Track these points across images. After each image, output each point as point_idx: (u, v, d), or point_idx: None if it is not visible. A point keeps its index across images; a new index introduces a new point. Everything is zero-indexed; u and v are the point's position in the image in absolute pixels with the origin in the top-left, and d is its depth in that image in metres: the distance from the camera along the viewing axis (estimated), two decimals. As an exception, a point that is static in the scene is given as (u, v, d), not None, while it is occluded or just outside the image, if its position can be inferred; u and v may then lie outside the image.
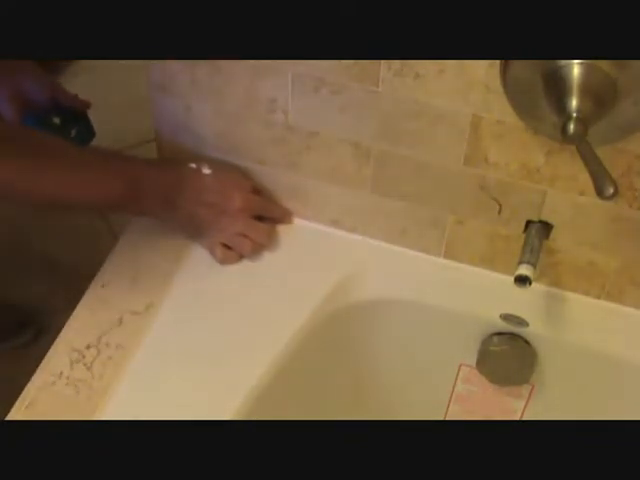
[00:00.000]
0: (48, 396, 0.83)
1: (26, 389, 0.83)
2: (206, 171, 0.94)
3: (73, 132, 0.91)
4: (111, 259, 0.95)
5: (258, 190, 0.97)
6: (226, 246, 0.94)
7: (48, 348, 0.87)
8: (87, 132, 0.93)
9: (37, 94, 0.89)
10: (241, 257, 0.95)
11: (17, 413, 0.81)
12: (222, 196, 0.93)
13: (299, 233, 0.99)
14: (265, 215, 0.97)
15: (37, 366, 0.85)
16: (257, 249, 0.96)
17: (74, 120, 0.91)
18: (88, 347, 0.87)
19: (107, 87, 1.53)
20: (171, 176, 0.91)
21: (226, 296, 0.93)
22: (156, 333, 0.88)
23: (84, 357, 0.86)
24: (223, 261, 0.94)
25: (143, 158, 0.91)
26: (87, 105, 0.93)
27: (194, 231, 0.94)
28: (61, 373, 0.85)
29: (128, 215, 0.95)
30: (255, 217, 0.95)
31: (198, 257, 0.96)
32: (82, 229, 1.67)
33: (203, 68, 0.88)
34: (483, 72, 0.76)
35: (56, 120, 0.89)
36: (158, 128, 0.98)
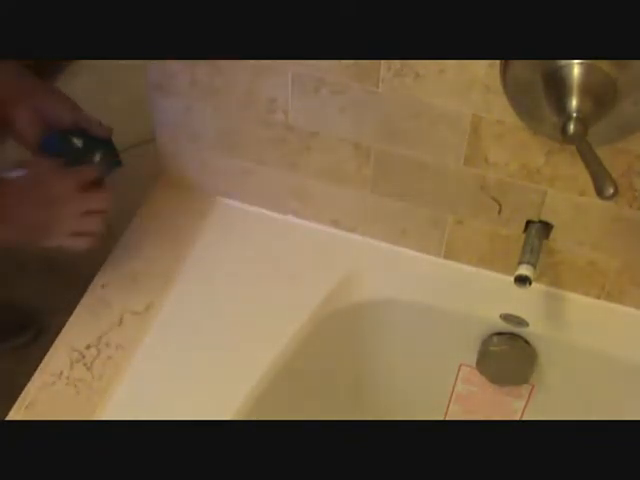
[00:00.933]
0: (48, 396, 0.83)
1: (26, 389, 0.83)
2: (13, 172, 0.85)
3: (97, 157, 0.88)
4: (111, 259, 0.95)
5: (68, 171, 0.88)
6: (77, 233, 0.87)
7: (48, 348, 0.87)
8: (112, 158, 0.90)
9: (59, 116, 0.87)
10: (95, 235, 0.89)
11: (17, 413, 0.81)
12: (45, 187, 0.85)
13: (299, 233, 0.99)
14: (89, 185, 0.88)
15: (37, 366, 0.85)
16: (104, 218, 0.88)
17: (97, 144, 0.88)
18: (88, 347, 0.87)
19: (107, 87, 1.53)
20: None
21: (226, 296, 0.93)
22: (156, 333, 0.88)
23: (84, 357, 0.86)
24: (86, 246, 0.87)
25: None
26: (110, 131, 0.90)
27: (36, 236, 0.86)
28: (61, 373, 0.85)
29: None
30: (81, 189, 0.87)
31: (198, 257, 0.96)
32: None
33: (203, 68, 0.88)
34: (483, 72, 0.76)
35: (77, 142, 0.87)
36: (158, 128, 0.98)
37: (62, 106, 0.88)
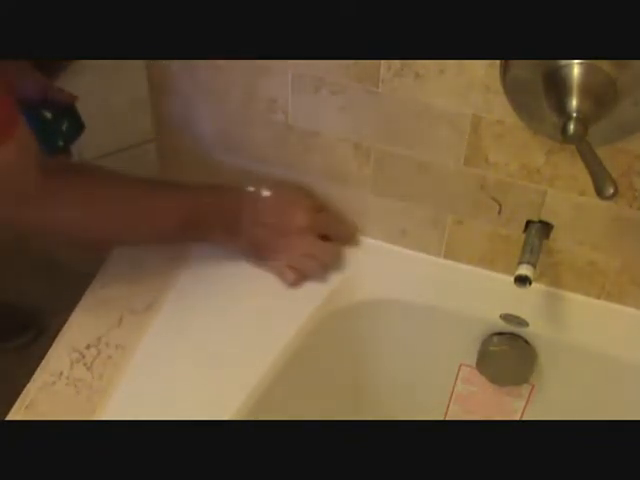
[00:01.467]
0: (48, 396, 0.83)
1: (26, 389, 0.83)
2: (265, 193, 0.91)
3: (64, 126, 0.90)
4: (111, 259, 0.95)
5: (322, 207, 0.95)
6: (292, 267, 0.92)
7: (48, 348, 0.87)
8: (77, 125, 0.92)
9: (29, 91, 0.89)
10: (307, 278, 0.93)
11: (17, 413, 0.81)
12: (283, 216, 0.90)
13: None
14: (331, 233, 0.95)
15: (37, 366, 0.85)
16: (323, 269, 0.93)
17: (63, 114, 0.90)
18: (88, 347, 0.87)
19: (107, 87, 1.53)
20: (229, 202, 0.90)
21: (226, 296, 0.92)
22: (156, 333, 0.88)
23: (84, 357, 0.86)
24: (293, 284, 0.92)
25: (199, 184, 0.89)
26: (74, 98, 0.92)
27: (257, 255, 0.92)
28: (61, 373, 0.85)
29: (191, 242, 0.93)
30: (320, 236, 0.93)
31: (198, 257, 0.96)
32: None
33: (203, 68, 0.88)
34: (483, 72, 0.76)
35: (47, 115, 0.89)
36: (158, 128, 0.98)
37: (32, 80, 0.89)
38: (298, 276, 0.92)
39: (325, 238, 0.94)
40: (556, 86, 0.70)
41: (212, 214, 0.88)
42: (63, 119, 0.90)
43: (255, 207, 0.91)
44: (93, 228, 0.82)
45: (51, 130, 0.89)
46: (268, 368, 0.86)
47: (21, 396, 0.83)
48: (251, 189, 0.92)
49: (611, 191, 0.67)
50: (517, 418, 1.06)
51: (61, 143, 0.90)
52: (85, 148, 1.35)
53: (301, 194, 0.94)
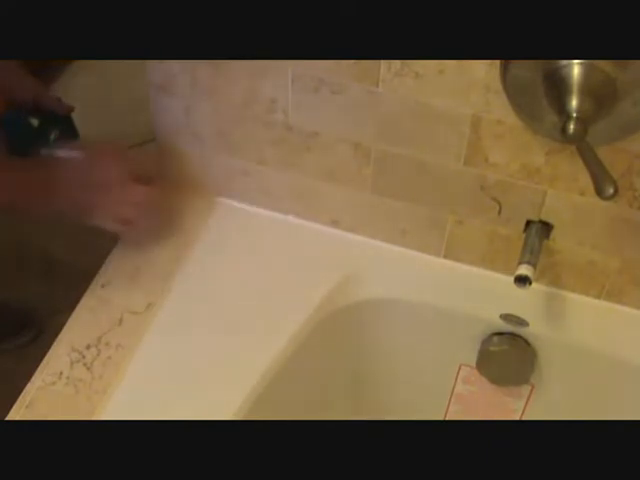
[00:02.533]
0: (48, 396, 0.83)
1: (26, 389, 0.83)
2: (74, 153, 0.89)
3: (52, 135, 0.90)
4: (111, 259, 0.95)
5: (125, 151, 0.94)
6: (117, 219, 0.90)
7: (48, 348, 0.87)
8: (69, 135, 0.92)
9: (19, 93, 0.88)
10: (132, 224, 0.91)
11: (17, 413, 0.81)
12: (100, 170, 0.88)
13: (299, 233, 0.99)
14: (140, 176, 0.92)
15: (37, 366, 0.85)
16: (144, 211, 0.92)
17: (54, 123, 0.90)
18: (88, 347, 0.87)
19: (107, 87, 1.53)
20: (48, 169, 0.86)
21: (226, 296, 0.93)
22: (156, 333, 0.88)
23: (84, 357, 0.86)
24: (120, 232, 0.91)
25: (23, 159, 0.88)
26: (69, 109, 0.92)
27: (84, 213, 0.88)
28: (61, 373, 0.85)
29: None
30: (134, 180, 0.90)
31: (198, 257, 0.96)
32: (82, 229, 1.67)
33: (203, 68, 0.88)
34: (483, 72, 0.76)
35: (34, 122, 0.88)
36: (158, 128, 0.98)
37: (23, 84, 0.89)
38: (128, 226, 0.91)
39: (138, 182, 0.91)
40: (556, 86, 0.70)
41: (35, 179, 0.84)
42: (52, 127, 0.90)
43: (72, 170, 0.87)
44: None
45: (35, 137, 0.89)
46: (268, 368, 0.86)
47: (21, 396, 0.83)
48: (62, 153, 0.89)
49: (611, 191, 0.67)
50: (517, 418, 1.06)
51: (44, 151, 0.89)
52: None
53: (100, 149, 0.91)
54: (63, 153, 0.89)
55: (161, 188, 0.96)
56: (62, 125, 0.91)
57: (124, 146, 0.93)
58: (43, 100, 0.89)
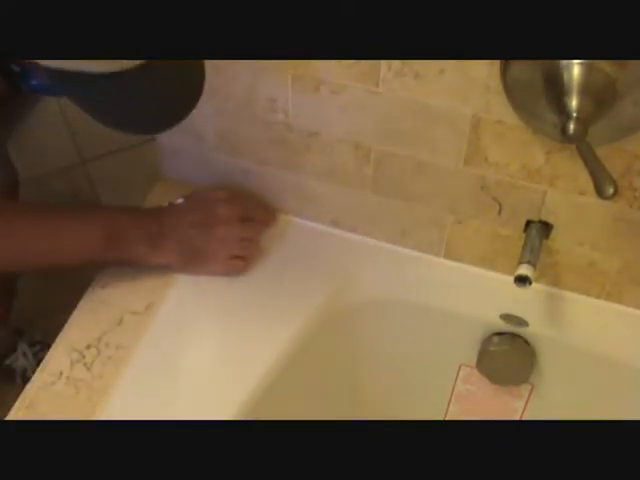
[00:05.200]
0: (48, 396, 0.83)
1: (26, 389, 0.83)
2: (179, 200, 0.94)
3: (35, 81, 0.89)
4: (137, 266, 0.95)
5: (238, 195, 0.96)
6: (234, 257, 0.93)
7: (48, 348, 0.87)
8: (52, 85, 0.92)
9: None
10: (250, 260, 0.95)
11: (17, 413, 0.81)
12: (205, 211, 0.92)
13: (299, 233, 0.99)
14: (252, 215, 0.96)
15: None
16: (260, 249, 0.96)
17: (36, 69, 0.89)
18: (88, 347, 0.87)
19: (107, 87, 1.53)
20: (147, 215, 0.90)
21: (226, 296, 0.92)
22: (156, 333, 0.88)
23: (84, 357, 0.86)
24: (243, 271, 0.93)
25: (116, 206, 0.90)
26: None
27: (193, 259, 0.91)
28: (61, 373, 0.85)
29: (117, 266, 0.91)
30: (243, 220, 0.94)
31: (198, 257, 0.96)
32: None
33: (203, 68, 0.88)
34: (483, 72, 0.76)
35: (16, 68, 0.88)
36: (158, 128, 0.98)
37: None
38: (243, 262, 0.93)
39: (248, 221, 0.95)
40: (556, 86, 0.70)
41: (132, 230, 0.87)
42: (33, 74, 0.89)
43: (176, 213, 0.91)
44: (16, 258, 0.82)
45: (17, 84, 0.89)
46: (268, 368, 0.86)
47: (21, 396, 0.83)
48: (165, 203, 0.94)
49: (611, 191, 0.67)
50: (517, 418, 1.06)
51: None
52: (85, 148, 1.35)
53: (212, 189, 0.95)
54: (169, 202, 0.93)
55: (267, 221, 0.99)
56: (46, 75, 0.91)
57: (230, 187, 0.96)
58: None
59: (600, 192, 0.67)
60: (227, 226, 0.92)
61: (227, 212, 0.92)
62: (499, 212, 0.89)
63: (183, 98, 0.65)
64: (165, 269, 0.92)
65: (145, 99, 0.61)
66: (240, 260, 0.93)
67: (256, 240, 0.95)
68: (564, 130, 0.68)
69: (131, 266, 0.90)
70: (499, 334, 0.96)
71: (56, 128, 1.22)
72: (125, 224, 0.87)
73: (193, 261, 0.91)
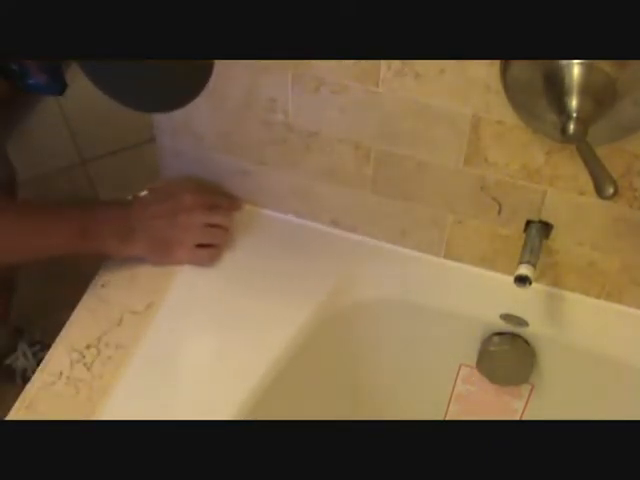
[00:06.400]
0: (48, 396, 0.83)
1: (26, 389, 0.83)
2: (144, 192, 0.95)
3: (31, 80, 0.89)
4: (111, 259, 0.95)
5: (201, 184, 0.97)
6: (200, 245, 0.93)
7: (48, 348, 0.87)
8: (53, 83, 0.91)
9: None
10: (218, 248, 0.95)
11: (17, 413, 0.81)
12: (169, 201, 0.92)
13: (299, 233, 0.99)
14: (216, 203, 0.97)
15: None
16: (228, 235, 0.96)
17: (37, 70, 0.89)
18: (88, 347, 0.87)
19: (107, 87, 1.53)
20: (116, 210, 0.91)
21: (226, 296, 0.92)
22: (156, 333, 0.88)
23: (84, 357, 0.86)
24: (211, 260, 0.94)
25: (90, 201, 0.92)
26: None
27: (162, 249, 0.92)
28: (61, 373, 0.85)
29: (90, 256, 0.93)
30: (208, 208, 0.95)
31: (198, 257, 0.96)
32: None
33: (203, 68, 0.88)
34: (483, 72, 0.76)
35: (14, 67, 0.88)
36: (158, 128, 0.98)
37: None
38: (211, 250, 0.94)
39: (214, 209, 0.96)
40: (556, 86, 0.70)
41: (103, 225, 0.89)
42: (33, 74, 0.89)
43: (142, 206, 0.92)
44: None
45: (16, 83, 0.89)
46: (268, 368, 0.86)
47: (21, 396, 0.83)
48: (130, 196, 0.95)
49: (611, 191, 0.67)
50: (517, 418, 1.06)
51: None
52: (85, 148, 1.35)
53: (179, 180, 0.97)
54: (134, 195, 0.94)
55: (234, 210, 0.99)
56: (46, 71, 0.90)
57: (194, 179, 0.97)
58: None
59: (600, 192, 0.67)
60: (191, 214, 0.92)
61: (191, 200, 0.92)
62: (499, 212, 0.89)
63: (194, 76, 0.66)
64: (138, 260, 0.93)
65: (156, 75, 0.62)
66: (208, 248, 0.94)
67: (223, 227, 0.95)
68: (564, 130, 0.68)
69: (105, 257, 0.93)
70: (499, 334, 0.96)
71: (56, 128, 1.22)
72: (97, 219, 0.89)
73: (161, 251, 0.92)
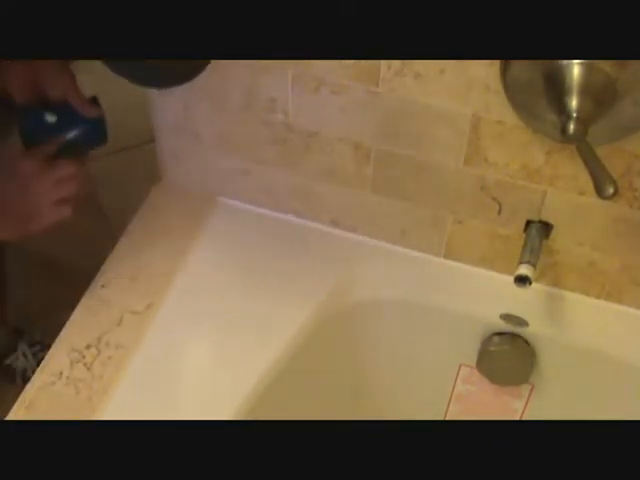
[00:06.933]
0: (48, 396, 0.83)
1: (26, 389, 0.83)
2: None
3: (71, 134, 0.88)
4: (111, 259, 0.95)
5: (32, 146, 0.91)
6: (57, 202, 0.87)
7: (48, 348, 0.87)
8: (91, 138, 0.90)
9: (47, 86, 0.87)
10: (74, 198, 0.88)
11: (17, 413, 0.81)
12: (11, 174, 0.86)
13: (299, 233, 0.99)
14: (54, 160, 0.88)
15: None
16: (79, 184, 0.89)
17: (74, 123, 0.88)
18: (88, 347, 0.87)
19: (107, 87, 1.53)
20: None
21: (226, 296, 0.93)
22: (156, 333, 0.88)
23: (84, 357, 0.86)
24: (65, 215, 0.87)
25: None
26: (94, 112, 0.89)
27: (23, 224, 0.87)
28: (61, 373, 0.85)
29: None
30: (50, 161, 0.87)
31: (198, 257, 0.96)
32: (82, 229, 1.67)
33: (203, 68, 0.88)
34: (483, 72, 0.76)
35: (50, 118, 0.87)
36: (158, 128, 0.98)
37: (54, 77, 0.87)
38: (67, 204, 0.88)
39: (56, 160, 0.88)
40: (556, 86, 0.70)
41: None
42: (69, 128, 0.88)
43: None
44: None
45: (49, 133, 0.87)
46: (268, 368, 0.86)
47: (21, 396, 0.83)
48: None
49: (611, 191, 0.67)
50: (517, 418, 1.06)
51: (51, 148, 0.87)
52: (85, 148, 1.35)
53: (4, 154, 0.91)
54: None
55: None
56: (86, 127, 0.88)
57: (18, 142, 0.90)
58: (70, 97, 0.88)
59: (600, 192, 0.67)
60: (37, 176, 0.86)
61: (28, 164, 0.86)
62: (499, 212, 0.89)
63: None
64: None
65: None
66: (65, 204, 0.87)
67: (74, 176, 0.88)
68: (564, 130, 0.68)
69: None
70: (499, 334, 0.96)
71: (56, 128, 1.22)
72: None
73: (23, 224, 0.87)
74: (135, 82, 0.66)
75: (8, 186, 0.86)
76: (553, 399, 1.01)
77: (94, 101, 0.89)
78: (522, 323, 0.94)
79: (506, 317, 0.94)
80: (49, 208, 0.87)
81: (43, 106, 0.87)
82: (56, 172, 0.87)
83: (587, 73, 0.69)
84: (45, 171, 0.87)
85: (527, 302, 0.93)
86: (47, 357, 0.86)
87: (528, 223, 0.89)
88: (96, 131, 0.89)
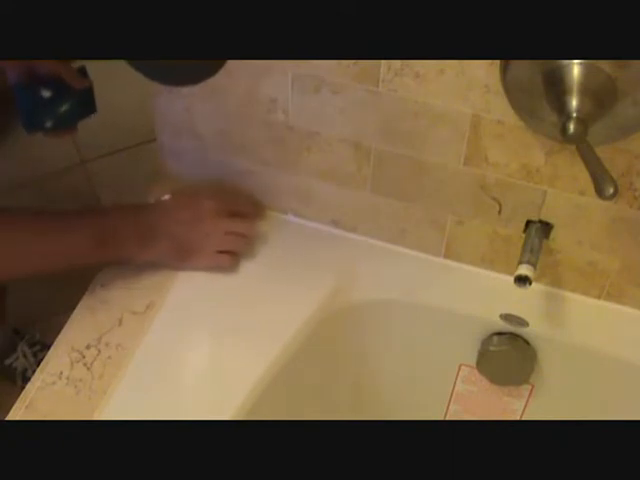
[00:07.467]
0: (48, 396, 0.83)
1: (26, 389, 0.83)
2: (166, 197, 0.95)
3: (63, 108, 0.89)
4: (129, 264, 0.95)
5: (224, 190, 0.97)
6: (221, 251, 0.93)
7: (48, 348, 0.87)
8: (84, 110, 0.91)
9: (37, 64, 0.88)
10: (238, 255, 0.95)
11: (17, 413, 0.81)
12: (192, 207, 0.92)
13: (299, 233, 0.99)
14: (240, 210, 0.97)
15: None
16: (249, 243, 0.96)
17: (67, 96, 0.88)
18: (88, 347, 0.87)
19: (107, 87, 1.53)
20: (136, 213, 0.91)
21: (226, 296, 0.92)
22: (156, 333, 0.88)
23: (84, 357, 0.86)
24: (230, 266, 0.94)
25: (104, 206, 0.90)
26: (84, 83, 0.90)
27: (182, 254, 0.92)
28: (61, 373, 0.85)
29: (110, 263, 0.92)
30: (232, 215, 0.95)
31: (198, 257, 0.96)
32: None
33: (203, 68, 0.88)
34: (483, 72, 0.76)
35: (45, 93, 0.87)
36: (158, 128, 0.98)
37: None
38: (231, 256, 0.94)
39: (236, 216, 0.96)
40: (556, 86, 0.70)
41: (122, 229, 0.88)
42: (63, 101, 0.89)
43: (164, 211, 0.92)
44: (6, 268, 0.82)
45: (42, 110, 0.88)
46: (268, 368, 0.86)
47: (21, 396, 0.83)
48: (152, 200, 0.95)
49: (611, 191, 0.67)
50: (517, 418, 1.06)
51: (49, 124, 0.88)
52: (85, 148, 1.35)
53: (198, 187, 0.96)
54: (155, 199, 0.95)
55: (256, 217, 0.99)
56: (77, 98, 0.89)
57: (217, 184, 0.97)
58: (61, 72, 0.89)
59: (600, 192, 0.67)
60: (213, 220, 0.92)
61: (213, 207, 0.93)
62: (499, 212, 0.89)
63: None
64: (158, 265, 0.92)
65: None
66: (228, 255, 0.93)
67: (245, 234, 0.95)
68: (564, 130, 0.68)
69: (123, 264, 0.91)
70: (499, 334, 0.96)
71: (56, 128, 1.22)
72: (114, 224, 0.87)
73: (181, 256, 0.92)
74: (153, 79, 0.67)
75: (182, 214, 0.91)
76: (553, 399, 1.01)
77: (82, 72, 0.90)
78: (522, 323, 0.94)
79: (506, 317, 0.94)
80: (211, 252, 0.93)
81: (37, 83, 0.87)
82: (231, 224, 0.94)
83: (587, 73, 0.69)
84: (221, 218, 0.93)
85: (527, 302, 0.93)
86: (47, 357, 0.86)
87: (528, 223, 0.89)
88: (87, 101, 0.91)
